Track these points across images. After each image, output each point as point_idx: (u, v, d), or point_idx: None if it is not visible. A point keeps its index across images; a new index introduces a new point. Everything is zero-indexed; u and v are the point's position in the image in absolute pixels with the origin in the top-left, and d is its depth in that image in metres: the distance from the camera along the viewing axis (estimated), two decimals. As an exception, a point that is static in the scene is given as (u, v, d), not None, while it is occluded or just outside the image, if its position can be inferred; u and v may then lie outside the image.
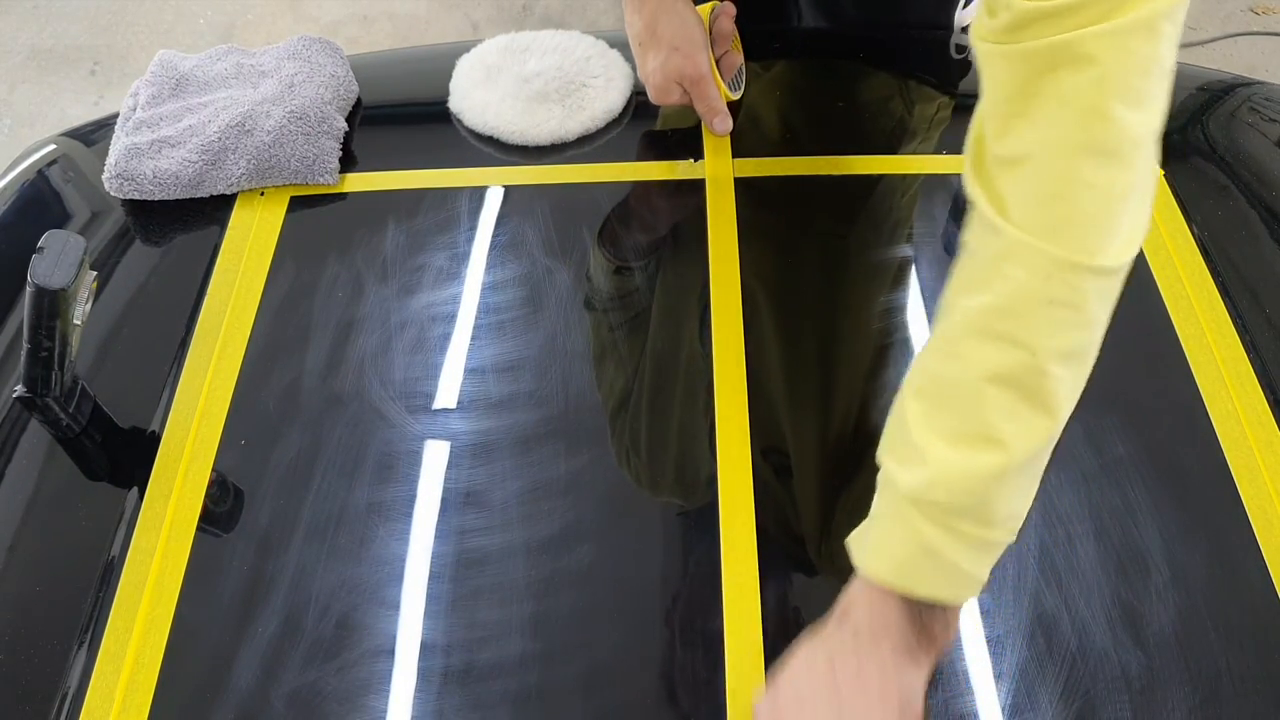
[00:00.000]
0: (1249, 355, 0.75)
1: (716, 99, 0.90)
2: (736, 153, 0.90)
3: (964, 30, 0.97)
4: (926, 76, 0.98)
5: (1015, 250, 0.53)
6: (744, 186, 0.87)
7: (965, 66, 0.98)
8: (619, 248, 0.84)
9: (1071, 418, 0.74)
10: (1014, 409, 0.54)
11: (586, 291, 0.81)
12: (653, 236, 0.87)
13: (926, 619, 0.57)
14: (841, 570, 0.65)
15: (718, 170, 0.88)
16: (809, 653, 0.58)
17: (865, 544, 0.59)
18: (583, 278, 0.82)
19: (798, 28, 1.11)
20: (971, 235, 0.56)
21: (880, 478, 0.58)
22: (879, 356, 0.77)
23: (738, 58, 0.95)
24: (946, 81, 0.98)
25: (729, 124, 0.91)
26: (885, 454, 0.58)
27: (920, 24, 0.96)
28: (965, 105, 0.96)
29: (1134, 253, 0.54)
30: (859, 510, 0.68)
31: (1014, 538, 0.56)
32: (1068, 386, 0.54)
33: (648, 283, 0.82)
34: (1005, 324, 0.53)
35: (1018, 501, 0.56)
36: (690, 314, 0.79)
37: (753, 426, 0.71)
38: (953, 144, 0.92)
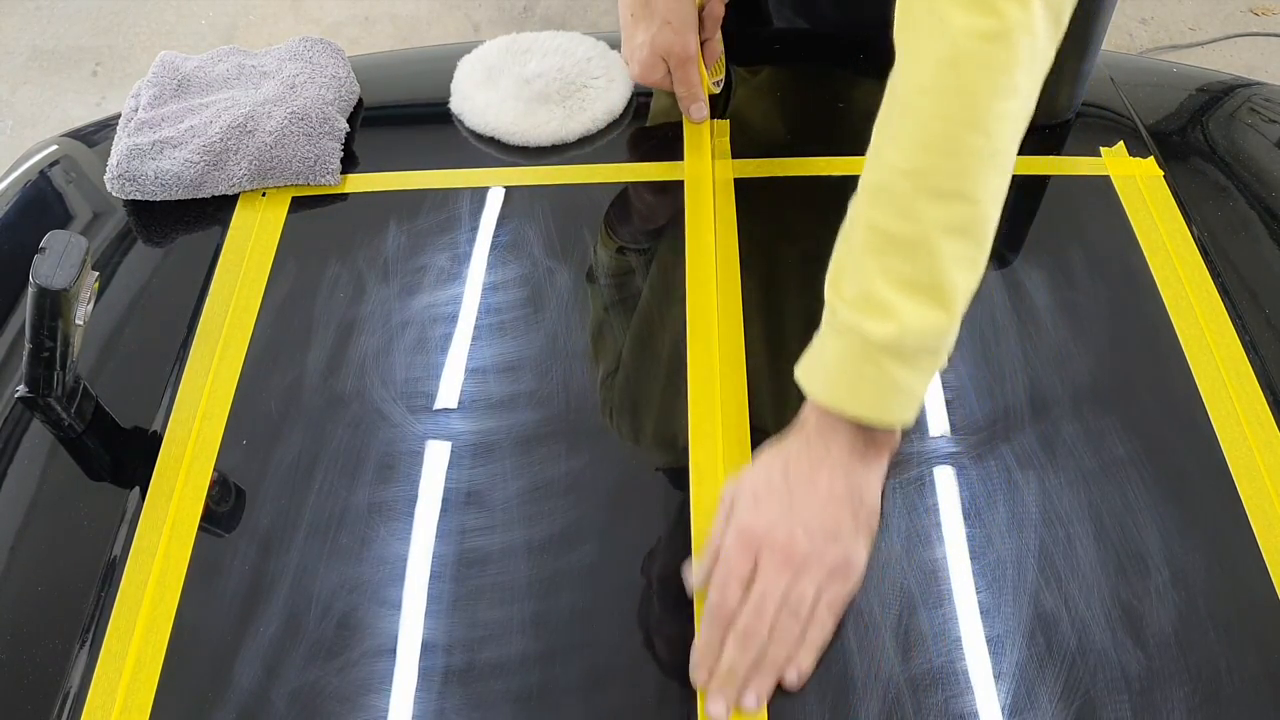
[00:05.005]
0: (1249, 355, 0.75)
1: (697, 84, 0.91)
2: (736, 154, 0.90)
3: None
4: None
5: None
6: (742, 187, 0.87)
7: None
8: (621, 245, 0.85)
9: (1072, 417, 0.74)
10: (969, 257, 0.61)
11: (587, 280, 0.81)
12: (652, 237, 0.87)
13: (872, 431, 0.64)
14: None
15: (718, 172, 0.88)
16: (767, 457, 0.65)
17: (829, 385, 0.63)
18: (584, 277, 0.82)
19: (779, 29, 1.11)
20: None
21: (834, 317, 0.63)
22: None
23: (719, 47, 0.95)
24: None
25: (705, 112, 0.91)
26: (844, 302, 0.63)
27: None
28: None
29: None
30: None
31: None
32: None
33: (646, 276, 0.82)
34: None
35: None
36: (679, 313, 0.79)
37: (753, 423, 0.71)
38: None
